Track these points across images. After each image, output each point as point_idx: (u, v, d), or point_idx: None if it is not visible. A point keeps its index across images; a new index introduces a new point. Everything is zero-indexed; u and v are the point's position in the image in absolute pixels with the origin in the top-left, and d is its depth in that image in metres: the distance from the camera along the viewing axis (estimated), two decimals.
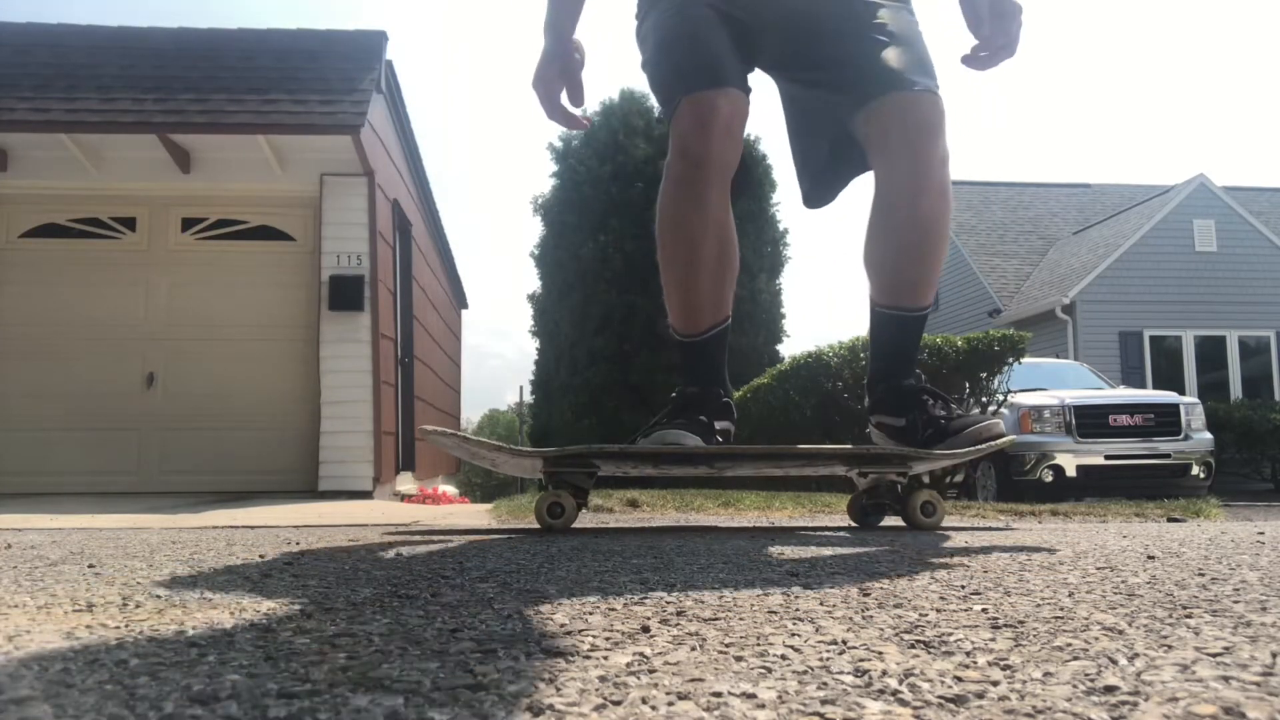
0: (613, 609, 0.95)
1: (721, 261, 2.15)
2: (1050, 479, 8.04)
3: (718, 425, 2.17)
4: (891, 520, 2.33)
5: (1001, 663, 0.69)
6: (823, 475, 2.93)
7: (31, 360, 6.65)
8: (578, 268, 13.88)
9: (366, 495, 6.37)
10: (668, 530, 2.24)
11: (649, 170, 13.02)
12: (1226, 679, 0.63)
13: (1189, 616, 0.87)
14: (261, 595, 1.05)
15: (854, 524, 2.37)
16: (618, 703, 0.59)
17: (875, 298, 2.18)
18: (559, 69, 2.13)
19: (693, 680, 0.65)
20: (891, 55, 2.04)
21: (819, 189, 2.30)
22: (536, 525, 2.38)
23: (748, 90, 2.12)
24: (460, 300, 13.84)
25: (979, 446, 2.07)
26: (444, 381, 11.60)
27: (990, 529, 2.32)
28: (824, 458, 2.33)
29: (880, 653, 0.73)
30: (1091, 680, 0.64)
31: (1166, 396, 8.98)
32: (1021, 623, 0.85)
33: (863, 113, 2.06)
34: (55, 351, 6.67)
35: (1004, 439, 2.15)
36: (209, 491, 6.25)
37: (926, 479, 6.59)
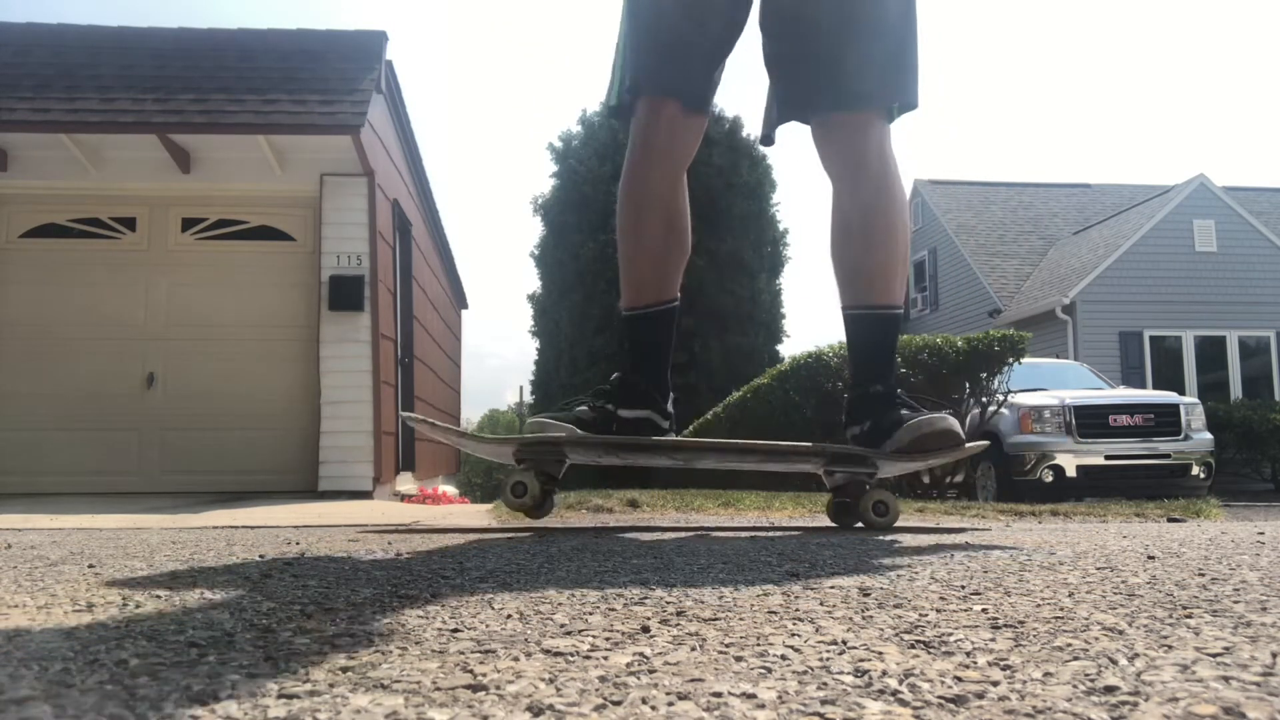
0: (613, 609, 0.95)
1: (668, 240, 2.15)
2: (1050, 479, 8.04)
3: (625, 414, 2.15)
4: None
5: (1001, 663, 0.69)
6: (806, 474, 2.93)
7: (31, 360, 6.65)
8: (577, 268, 13.89)
9: (366, 495, 6.37)
10: (668, 530, 2.24)
11: None
12: (1226, 679, 0.63)
13: (1189, 616, 0.87)
14: (261, 595, 1.05)
15: (833, 524, 2.38)
16: (618, 703, 0.59)
17: (841, 301, 2.18)
18: None
19: (693, 680, 0.65)
20: (846, 57, 2.05)
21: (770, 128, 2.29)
22: (537, 525, 2.38)
23: (699, 98, 2.13)
24: (460, 300, 13.84)
25: (938, 449, 2.04)
26: (444, 381, 11.59)
27: (990, 529, 2.32)
28: (793, 455, 2.33)
29: (880, 653, 0.73)
30: (1091, 680, 0.64)
31: (1166, 397, 8.98)
32: (1021, 623, 0.85)
33: (809, 119, 2.16)
34: (55, 352, 6.67)
35: (971, 444, 2.10)
36: (209, 491, 6.25)
37: (926, 478, 6.58)
